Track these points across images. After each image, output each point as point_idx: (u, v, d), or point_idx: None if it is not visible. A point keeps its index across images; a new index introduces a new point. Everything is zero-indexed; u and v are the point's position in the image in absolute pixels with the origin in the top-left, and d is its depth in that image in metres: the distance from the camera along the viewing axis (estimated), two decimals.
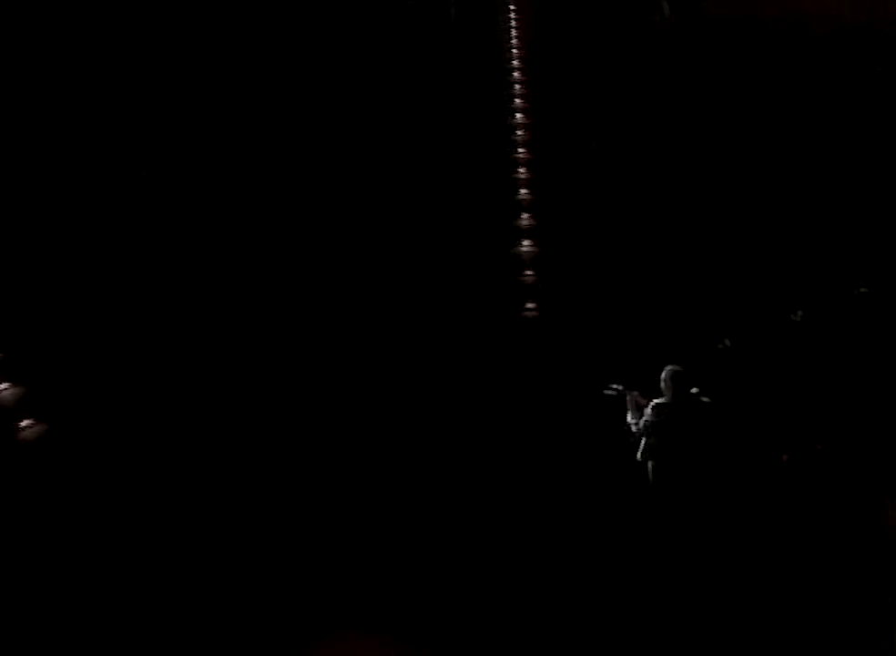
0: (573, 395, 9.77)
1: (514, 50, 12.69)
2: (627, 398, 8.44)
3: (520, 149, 12.33)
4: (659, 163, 11.68)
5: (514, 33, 12.68)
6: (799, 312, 9.77)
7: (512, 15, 12.83)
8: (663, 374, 8.28)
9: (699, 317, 10.34)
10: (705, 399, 8.29)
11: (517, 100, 12.53)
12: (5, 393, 8.76)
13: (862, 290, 9.81)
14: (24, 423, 8.47)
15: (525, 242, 11.63)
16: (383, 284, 11.03)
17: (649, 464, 8.44)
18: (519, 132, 12.41)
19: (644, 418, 8.25)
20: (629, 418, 8.38)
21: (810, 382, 9.36)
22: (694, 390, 8.18)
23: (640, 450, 8.38)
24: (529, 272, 11.41)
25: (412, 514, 8.10)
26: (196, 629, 6.78)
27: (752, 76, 12.67)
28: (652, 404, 8.21)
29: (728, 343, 9.80)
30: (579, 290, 11.09)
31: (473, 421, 9.36)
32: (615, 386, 8.44)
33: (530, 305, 11.13)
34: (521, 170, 12.23)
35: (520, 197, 12.04)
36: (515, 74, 12.64)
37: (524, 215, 11.85)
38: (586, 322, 10.71)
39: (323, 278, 10.90)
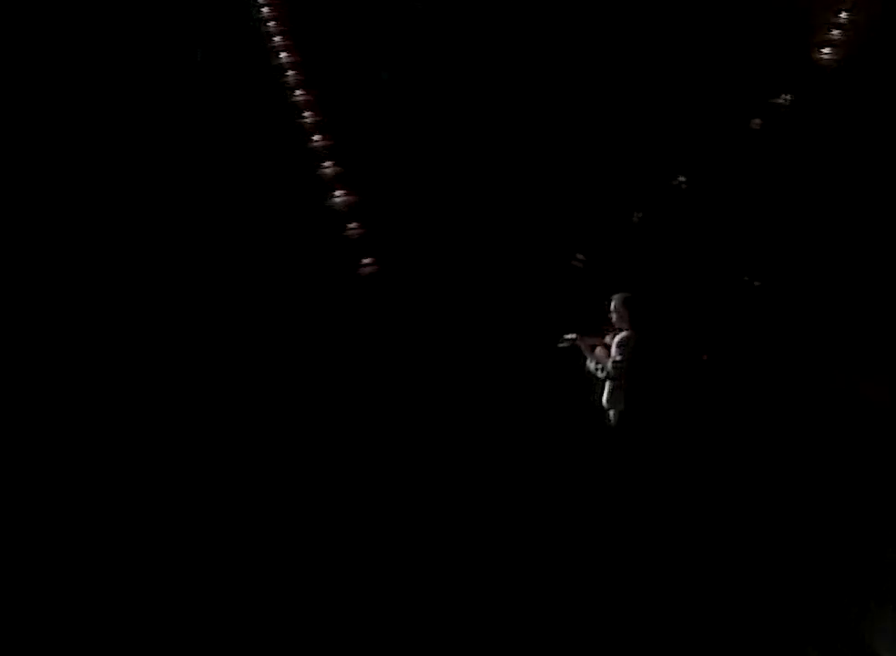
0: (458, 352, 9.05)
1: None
2: (581, 345, 7.79)
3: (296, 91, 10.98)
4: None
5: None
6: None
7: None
8: (613, 304, 7.70)
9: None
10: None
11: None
12: None
13: None
14: None
15: (338, 192, 10.46)
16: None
17: (611, 412, 7.91)
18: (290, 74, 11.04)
19: (611, 359, 7.66)
20: (590, 365, 7.75)
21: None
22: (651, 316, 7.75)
23: (606, 395, 7.82)
24: (353, 225, 10.31)
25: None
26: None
27: None
28: (616, 340, 7.62)
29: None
30: (416, 235, 10.22)
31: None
32: (568, 337, 7.75)
33: (366, 260, 10.10)
34: (305, 114, 10.90)
35: (314, 143, 10.75)
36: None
37: (326, 163, 10.63)
38: (437, 270, 9.92)
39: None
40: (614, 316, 7.56)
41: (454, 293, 9.48)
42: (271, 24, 11.15)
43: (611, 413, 7.77)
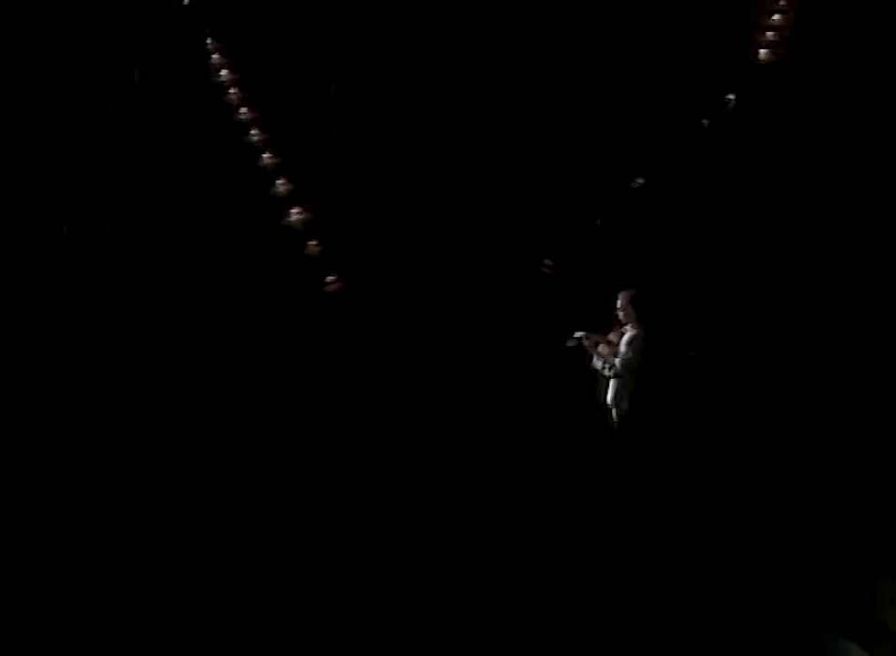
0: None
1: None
2: (586, 343, 7.72)
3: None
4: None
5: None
6: None
7: None
8: (619, 302, 7.67)
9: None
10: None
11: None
12: None
13: None
14: None
15: (294, 211, 10.17)
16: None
17: (615, 410, 7.85)
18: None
19: (619, 357, 7.60)
20: (597, 363, 7.68)
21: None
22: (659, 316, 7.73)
23: (611, 393, 7.75)
24: (312, 242, 10.04)
25: None
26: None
27: None
28: (626, 338, 7.58)
29: None
30: (378, 248, 10.00)
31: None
32: (576, 335, 7.67)
33: (329, 278, 9.84)
34: (252, 132, 10.59)
35: (263, 162, 10.45)
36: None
37: (278, 180, 10.34)
38: (406, 281, 9.72)
39: None
40: (620, 313, 7.53)
41: (427, 303, 9.34)
42: (210, 41, 10.80)
43: (614, 411, 7.72)
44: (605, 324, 7.73)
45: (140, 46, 10.49)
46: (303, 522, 7.61)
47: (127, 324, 9.09)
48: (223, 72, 10.68)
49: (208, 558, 7.25)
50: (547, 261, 9.85)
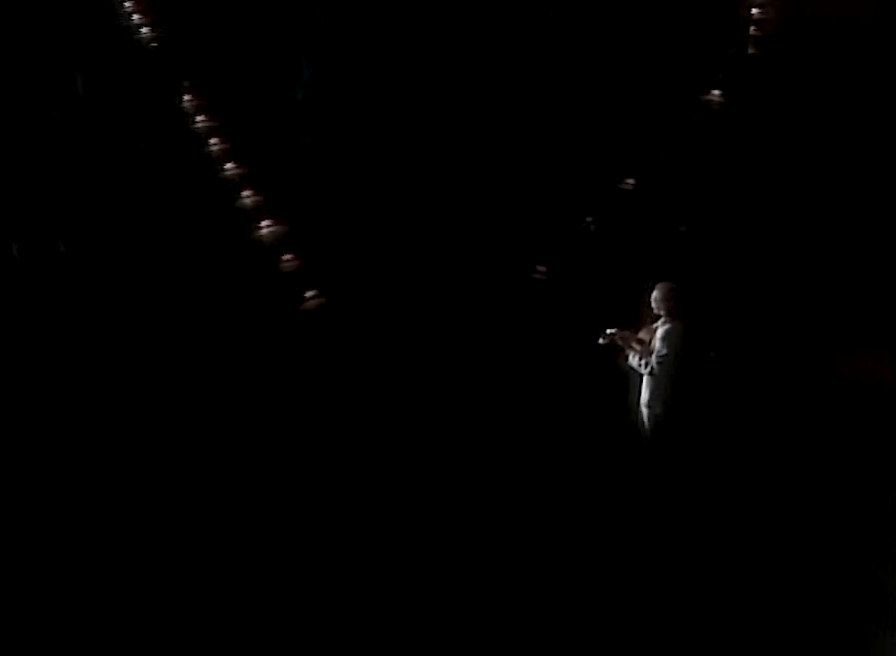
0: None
1: None
2: (620, 340, 7.03)
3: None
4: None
5: None
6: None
7: None
8: (655, 294, 7.00)
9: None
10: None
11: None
12: None
13: None
14: None
15: (263, 223, 9.36)
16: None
17: (648, 410, 7.15)
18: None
19: (655, 354, 6.93)
20: (633, 361, 7.00)
21: None
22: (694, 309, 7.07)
23: (647, 394, 7.05)
24: (287, 256, 9.22)
25: None
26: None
27: None
28: (660, 333, 6.90)
29: None
30: (362, 260, 9.24)
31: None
32: (609, 331, 6.97)
33: (310, 293, 9.03)
34: (211, 142, 9.77)
35: (226, 173, 9.62)
36: None
37: (244, 192, 9.52)
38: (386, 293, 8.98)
39: None
40: (654, 305, 6.89)
41: (421, 312, 8.64)
42: (158, 45, 10.00)
43: (646, 413, 7.06)
44: (627, 321, 7.11)
45: (86, 49, 9.70)
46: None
47: (97, 343, 8.22)
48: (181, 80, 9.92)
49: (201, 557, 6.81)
50: (540, 267, 9.27)
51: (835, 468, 7.43)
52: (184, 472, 7.35)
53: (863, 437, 7.67)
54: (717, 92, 10.13)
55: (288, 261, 9.16)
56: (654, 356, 6.82)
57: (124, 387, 7.96)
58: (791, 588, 6.54)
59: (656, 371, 6.84)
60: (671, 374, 6.85)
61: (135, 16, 10.21)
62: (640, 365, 6.87)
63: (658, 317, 6.95)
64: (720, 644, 6.18)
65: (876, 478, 7.39)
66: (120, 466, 7.33)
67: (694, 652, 6.19)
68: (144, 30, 10.13)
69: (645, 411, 7.05)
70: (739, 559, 6.70)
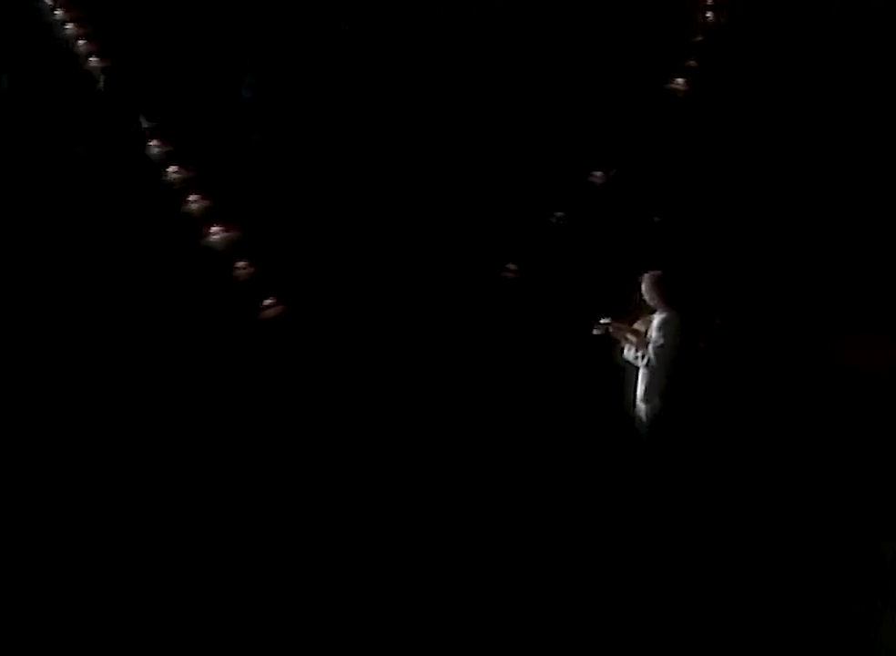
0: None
1: None
2: (614, 331, 6.60)
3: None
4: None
5: None
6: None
7: None
8: (644, 285, 6.61)
9: None
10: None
11: None
12: None
13: None
14: None
15: (214, 228, 8.73)
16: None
17: (646, 405, 6.71)
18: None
19: (651, 345, 6.50)
20: (629, 353, 6.57)
21: None
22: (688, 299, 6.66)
23: (644, 388, 6.62)
24: (241, 263, 8.62)
25: None
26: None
27: None
28: (656, 322, 6.50)
29: None
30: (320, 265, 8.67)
31: None
32: (603, 321, 6.54)
33: (268, 301, 8.44)
34: (151, 144, 9.11)
35: (170, 177, 8.97)
36: None
37: (190, 197, 8.87)
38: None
39: None
40: (645, 296, 6.49)
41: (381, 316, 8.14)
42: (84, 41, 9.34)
43: (643, 408, 6.63)
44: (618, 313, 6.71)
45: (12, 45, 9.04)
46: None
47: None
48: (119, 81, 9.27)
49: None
50: (511, 266, 8.83)
51: (833, 458, 7.23)
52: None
53: (861, 426, 7.48)
54: (680, 81, 9.86)
55: (242, 268, 8.60)
56: (650, 347, 6.42)
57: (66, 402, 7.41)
58: (792, 570, 6.35)
59: (653, 362, 6.43)
60: (668, 365, 6.47)
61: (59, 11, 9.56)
62: (637, 358, 6.46)
63: (655, 309, 6.59)
64: (722, 616, 5.94)
65: (873, 465, 7.21)
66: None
67: (694, 632, 5.91)
68: (71, 26, 9.51)
69: (641, 406, 6.63)
70: (741, 542, 6.48)
